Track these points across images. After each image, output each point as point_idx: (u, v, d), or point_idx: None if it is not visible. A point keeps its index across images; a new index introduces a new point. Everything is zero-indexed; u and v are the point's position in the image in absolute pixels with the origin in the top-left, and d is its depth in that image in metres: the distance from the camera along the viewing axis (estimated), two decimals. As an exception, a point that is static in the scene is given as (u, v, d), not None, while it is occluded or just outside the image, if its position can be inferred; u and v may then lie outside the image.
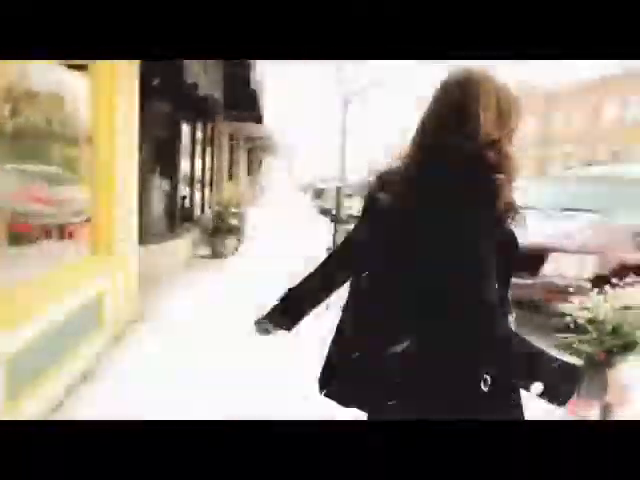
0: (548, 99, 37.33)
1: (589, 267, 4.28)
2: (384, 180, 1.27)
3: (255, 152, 28.01)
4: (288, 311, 1.58)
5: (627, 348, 1.72)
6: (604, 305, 1.85)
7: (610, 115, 31.58)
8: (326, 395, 1.33)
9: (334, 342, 1.35)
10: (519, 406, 1.25)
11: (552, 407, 1.14)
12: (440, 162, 1.14)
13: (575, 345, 1.77)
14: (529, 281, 4.39)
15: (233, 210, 8.87)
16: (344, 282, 1.50)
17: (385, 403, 1.22)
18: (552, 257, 4.36)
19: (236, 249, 8.45)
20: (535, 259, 4.42)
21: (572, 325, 1.89)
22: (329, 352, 1.35)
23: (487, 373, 1.14)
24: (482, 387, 1.14)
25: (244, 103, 10.08)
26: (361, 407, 1.33)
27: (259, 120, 12.30)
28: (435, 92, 1.26)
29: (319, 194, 18.52)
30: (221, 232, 8.10)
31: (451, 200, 1.09)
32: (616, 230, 4.77)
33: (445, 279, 1.08)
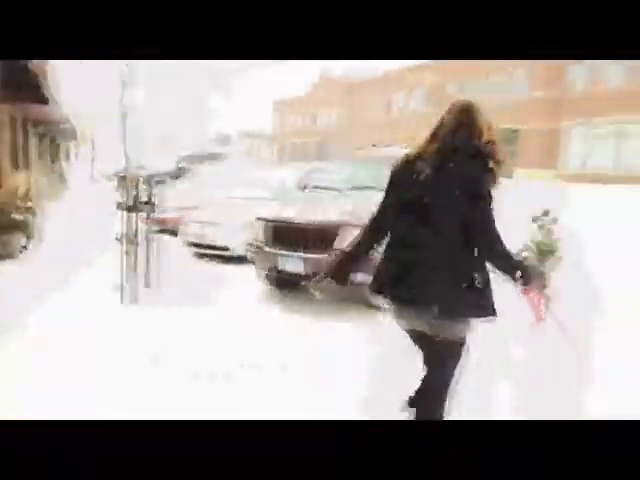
0: (348, 90, 40.27)
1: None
2: (410, 164, 2.10)
3: (55, 139, 24.96)
4: (343, 268, 2.28)
5: (545, 258, 3.78)
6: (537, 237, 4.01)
7: (399, 105, 35.40)
8: (372, 290, 2.21)
9: (384, 260, 2.17)
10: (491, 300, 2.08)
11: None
12: (456, 153, 1.99)
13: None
14: (325, 255, 4.71)
15: (19, 203, 7.81)
16: (382, 237, 2.25)
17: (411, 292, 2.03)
18: (343, 232, 4.73)
19: (24, 248, 7.46)
20: (329, 234, 4.76)
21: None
22: (377, 270, 2.20)
23: (477, 276, 1.99)
24: (476, 284, 1.97)
25: (23, 81, 8.85)
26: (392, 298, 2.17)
27: (45, 101, 10.90)
28: (450, 112, 2.09)
29: (132, 182, 17.38)
30: (1, 230, 7.03)
31: (464, 171, 1.97)
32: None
33: (462, 219, 1.95)
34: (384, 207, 2.21)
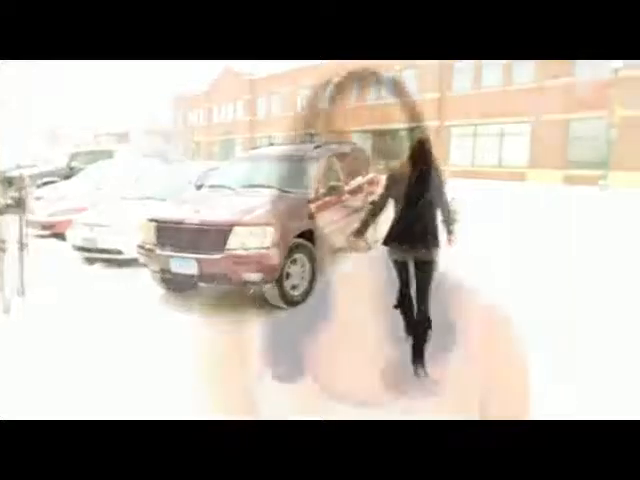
0: (252, 85, 40.00)
1: (268, 237, 4.77)
2: (395, 174, 3.34)
3: None
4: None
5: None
6: None
7: (302, 102, 35.78)
8: (384, 244, 3.50)
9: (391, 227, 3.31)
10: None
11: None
12: (421, 170, 3.00)
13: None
14: (217, 256, 4.67)
15: None
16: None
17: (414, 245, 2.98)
18: (235, 231, 4.71)
19: None
20: (221, 234, 4.72)
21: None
22: (388, 231, 3.42)
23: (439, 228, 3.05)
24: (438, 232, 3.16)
25: None
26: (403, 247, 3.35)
27: None
28: (420, 143, 3.54)
29: (10, 182, 15.98)
30: None
31: (426, 178, 2.94)
32: (291, 202, 5.44)
33: (431, 197, 2.80)
34: (382, 196, 3.48)
